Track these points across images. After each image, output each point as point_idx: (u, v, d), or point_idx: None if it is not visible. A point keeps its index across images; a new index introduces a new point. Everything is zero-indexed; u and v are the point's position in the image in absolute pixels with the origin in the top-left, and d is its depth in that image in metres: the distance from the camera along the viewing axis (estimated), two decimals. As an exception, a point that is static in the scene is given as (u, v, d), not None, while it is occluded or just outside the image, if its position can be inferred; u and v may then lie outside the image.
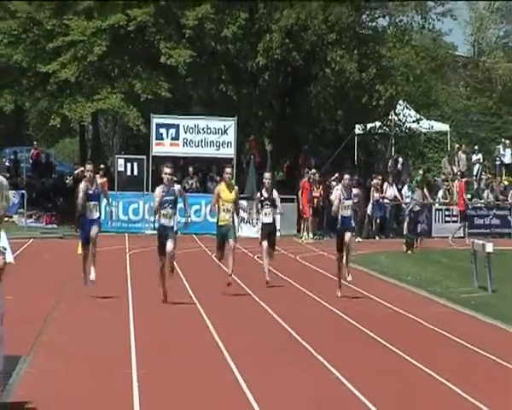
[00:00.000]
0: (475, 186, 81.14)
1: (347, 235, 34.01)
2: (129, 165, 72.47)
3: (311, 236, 71.69)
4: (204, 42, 74.59)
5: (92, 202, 31.85)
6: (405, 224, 69.60)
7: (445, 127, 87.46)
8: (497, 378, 25.45)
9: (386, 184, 74.86)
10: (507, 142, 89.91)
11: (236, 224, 37.06)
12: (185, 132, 72.04)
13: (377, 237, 69.22)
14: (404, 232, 66.20)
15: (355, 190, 36.35)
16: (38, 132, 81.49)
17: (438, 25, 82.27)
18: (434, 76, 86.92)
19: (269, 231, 38.37)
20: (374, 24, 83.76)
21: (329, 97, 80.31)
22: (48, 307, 28.19)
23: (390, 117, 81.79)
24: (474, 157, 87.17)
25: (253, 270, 45.70)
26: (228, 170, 34.11)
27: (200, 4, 73.91)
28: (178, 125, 72.41)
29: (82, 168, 37.65)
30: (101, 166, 70.52)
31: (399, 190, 77.20)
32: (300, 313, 34.45)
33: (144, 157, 73.29)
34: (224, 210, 34.47)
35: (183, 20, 73.80)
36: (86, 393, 21.53)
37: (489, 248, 42.74)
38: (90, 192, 31.06)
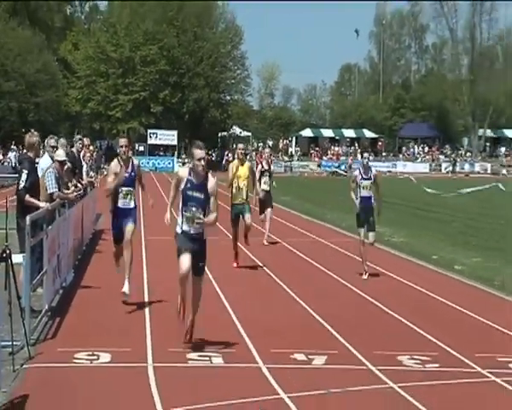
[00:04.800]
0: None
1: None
2: (141, 148, 71.50)
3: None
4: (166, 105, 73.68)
5: (125, 188, 11.53)
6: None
7: (249, 134, 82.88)
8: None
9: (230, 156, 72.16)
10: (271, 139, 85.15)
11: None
12: (160, 136, 71.07)
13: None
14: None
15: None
16: (109, 135, 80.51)
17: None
18: (248, 117, 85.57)
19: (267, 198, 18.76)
20: (227, 98, 78.18)
21: (207, 124, 76.65)
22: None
23: (232, 131, 79.56)
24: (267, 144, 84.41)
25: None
26: (240, 145, 17.04)
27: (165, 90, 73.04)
28: (157, 133, 71.17)
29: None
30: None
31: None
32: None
33: (145, 144, 71.15)
34: (236, 188, 16.04)
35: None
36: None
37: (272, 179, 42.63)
38: (125, 175, 11.39)
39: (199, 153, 8.65)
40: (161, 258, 15.41)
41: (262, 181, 18.35)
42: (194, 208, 8.49)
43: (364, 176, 13.86)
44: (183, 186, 8.58)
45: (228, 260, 14.85)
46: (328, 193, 39.14)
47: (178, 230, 8.61)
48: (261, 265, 14.91)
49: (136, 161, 11.47)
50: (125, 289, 10.68)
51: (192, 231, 8.51)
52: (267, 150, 21.43)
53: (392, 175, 67.51)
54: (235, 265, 14.83)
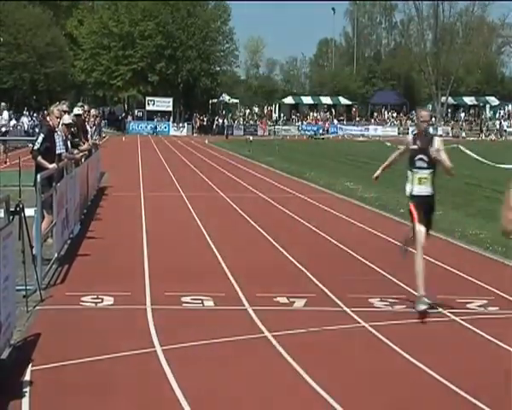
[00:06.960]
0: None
1: None
2: (139, 113, 71.07)
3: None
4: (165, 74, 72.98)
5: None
6: (226, 131, 67.06)
7: (237, 101, 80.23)
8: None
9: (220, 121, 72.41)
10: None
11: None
12: (157, 103, 70.36)
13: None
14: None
15: None
16: (111, 102, 79.63)
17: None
18: (236, 86, 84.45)
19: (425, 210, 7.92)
20: (217, 68, 77.15)
21: (199, 92, 76.20)
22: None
23: (221, 98, 79.14)
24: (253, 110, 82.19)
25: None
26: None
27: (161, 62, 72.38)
28: (154, 100, 70.63)
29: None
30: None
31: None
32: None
33: (144, 110, 70.72)
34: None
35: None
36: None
37: (251, 138, 41.60)
38: None
39: (424, 114, 8.22)
40: (159, 212, 15.28)
41: (415, 175, 8.03)
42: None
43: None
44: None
45: (220, 219, 14.57)
46: (307, 154, 38.68)
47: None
48: (248, 219, 14.74)
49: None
50: None
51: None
52: (424, 113, 8.27)
53: (365, 138, 67.40)
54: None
